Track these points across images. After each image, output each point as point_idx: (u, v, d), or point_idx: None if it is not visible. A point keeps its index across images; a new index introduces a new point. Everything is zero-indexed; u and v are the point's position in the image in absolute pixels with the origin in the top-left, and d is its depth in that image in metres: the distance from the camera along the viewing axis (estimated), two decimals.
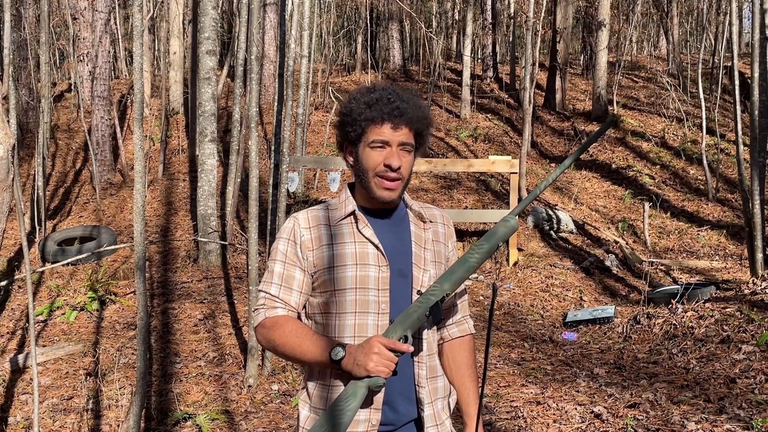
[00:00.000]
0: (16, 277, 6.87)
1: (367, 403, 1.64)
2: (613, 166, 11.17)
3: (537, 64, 12.42)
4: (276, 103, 6.00)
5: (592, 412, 3.84)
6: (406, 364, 1.70)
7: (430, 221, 1.82)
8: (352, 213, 1.74)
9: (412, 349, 1.59)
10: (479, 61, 18.18)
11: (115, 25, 15.36)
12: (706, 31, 15.34)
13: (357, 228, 1.72)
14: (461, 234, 8.32)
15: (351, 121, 1.71)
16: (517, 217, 1.70)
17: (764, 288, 5.43)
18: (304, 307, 1.77)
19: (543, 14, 13.18)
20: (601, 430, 3.62)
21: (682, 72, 15.24)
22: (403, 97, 1.71)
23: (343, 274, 1.69)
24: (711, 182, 9.84)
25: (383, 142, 1.68)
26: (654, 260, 7.86)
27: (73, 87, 14.01)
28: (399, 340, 1.59)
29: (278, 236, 1.77)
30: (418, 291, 1.72)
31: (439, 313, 1.64)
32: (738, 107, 7.11)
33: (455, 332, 1.87)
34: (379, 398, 1.65)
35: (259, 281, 2.39)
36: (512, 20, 17.72)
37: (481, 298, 6.80)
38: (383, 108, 1.68)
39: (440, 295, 1.63)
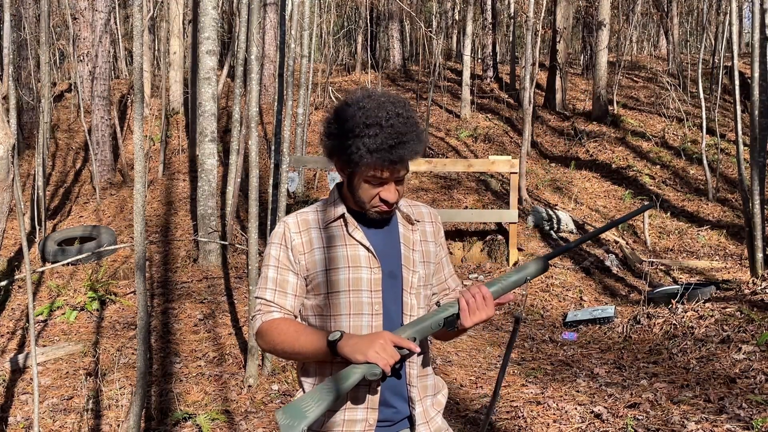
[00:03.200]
0: (16, 277, 6.87)
1: (361, 399, 1.67)
2: (613, 166, 11.17)
3: (537, 64, 12.42)
4: (276, 103, 6.00)
5: (592, 412, 3.84)
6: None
7: (418, 221, 1.84)
8: (342, 216, 1.75)
9: (418, 349, 1.62)
10: (479, 61, 18.17)
11: (115, 25, 15.36)
12: (706, 31, 15.33)
13: (347, 231, 1.74)
14: (461, 234, 8.32)
15: (347, 160, 1.66)
16: (548, 261, 1.74)
17: (764, 288, 5.43)
18: (299, 309, 1.79)
19: (543, 14, 13.19)
20: (601, 430, 3.62)
21: (682, 72, 15.24)
22: (404, 138, 1.62)
23: (336, 277, 1.71)
24: (711, 182, 9.84)
25: (381, 181, 1.67)
26: (654, 260, 7.86)
27: (73, 87, 14.01)
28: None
29: (270, 242, 1.79)
30: (437, 303, 1.76)
31: (452, 325, 1.67)
32: (738, 107, 7.11)
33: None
34: (375, 399, 1.69)
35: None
36: (512, 20, 17.72)
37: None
38: (385, 156, 1.61)
39: (457, 310, 1.67)
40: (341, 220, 1.75)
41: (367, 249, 1.72)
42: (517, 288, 1.72)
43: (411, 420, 1.76)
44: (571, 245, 1.75)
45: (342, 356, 1.61)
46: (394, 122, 1.62)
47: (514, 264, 7.61)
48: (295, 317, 1.77)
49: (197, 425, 4.16)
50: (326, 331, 1.67)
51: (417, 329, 1.65)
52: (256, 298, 1.78)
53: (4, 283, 6.38)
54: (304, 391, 1.76)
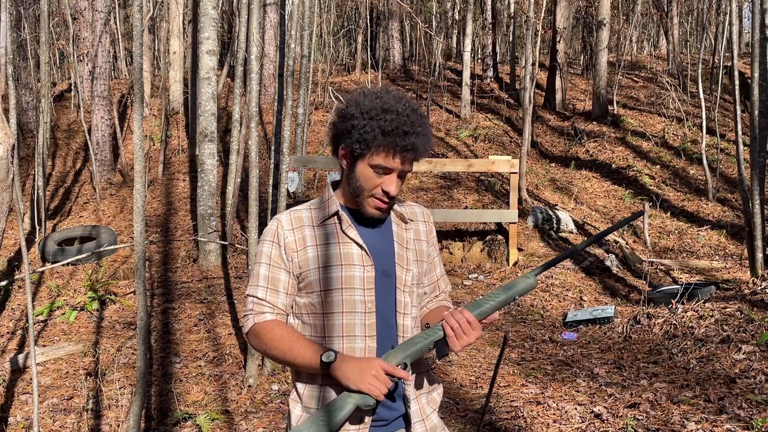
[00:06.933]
0: (16, 277, 6.87)
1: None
2: (613, 166, 11.17)
3: (537, 64, 12.42)
4: (276, 103, 6.00)
5: (592, 412, 3.84)
6: None
7: (411, 220, 1.85)
8: (336, 213, 1.75)
9: (409, 377, 1.64)
10: (479, 60, 18.17)
11: (115, 24, 15.35)
12: (706, 31, 15.33)
13: (341, 228, 1.74)
14: (461, 234, 8.32)
15: (360, 138, 1.66)
16: (536, 276, 1.73)
17: (764, 288, 5.43)
18: (291, 307, 1.79)
19: (543, 14, 13.19)
20: (601, 430, 3.62)
21: (682, 72, 15.24)
22: (418, 129, 1.66)
23: (329, 275, 1.71)
24: (711, 182, 9.84)
25: (387, 170, 1.68)
26: (654, 260, 7.86)
27: (73, 87, 14.01)
28: (398, 366, 1.63)
29: (262, 239, 1.79)
30: (426, 324, 1.75)
31: (443, 350, 1.66)
32: (738, 107, 7.11)
33: (432, 305, 1.92)
34: None
35: None
36: (512, 20, 17.72)
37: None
38: (398, 141, 1.64)
39: (443, 335, 1.66)
40: (335, 217, 1.75)
41: (360, 247, 1.72)
42: (504, 307, 1.72)
43: (406, 418, 1.76)
44: (558, 259, 1.74)
45: (335, 379, 1.63)
46: (409, 114, 1.67)
47: (515, 264, 7.61)
48: (287, 316, 1.78)
49: (197, 425, 4.16)
50: (320, 346, 1.68)
51: (408, 354, 1.65)
52: (248, 295, 1.78)
53: (4, 283, 6.38)
54: (298, 393, 1.76)
